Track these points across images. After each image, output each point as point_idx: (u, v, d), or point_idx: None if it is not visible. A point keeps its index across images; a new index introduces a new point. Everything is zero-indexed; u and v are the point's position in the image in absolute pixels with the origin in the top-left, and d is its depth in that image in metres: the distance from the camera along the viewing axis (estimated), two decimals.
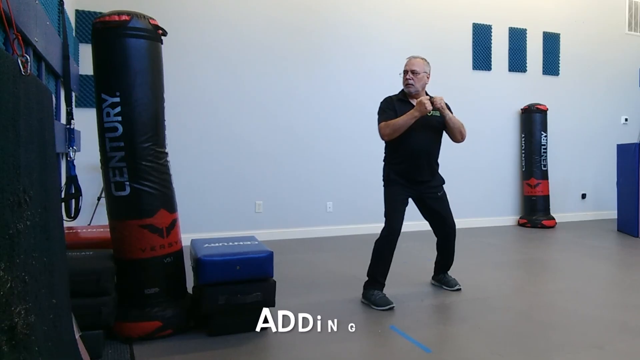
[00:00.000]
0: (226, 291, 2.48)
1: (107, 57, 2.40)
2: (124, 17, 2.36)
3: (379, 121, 3.09)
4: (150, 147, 2.46)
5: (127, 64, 2.39)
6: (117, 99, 2.37)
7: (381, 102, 3.19)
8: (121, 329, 2.41)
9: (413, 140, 3.04)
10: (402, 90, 3.22)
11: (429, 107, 2.95)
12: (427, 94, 3.20)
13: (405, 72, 3.17)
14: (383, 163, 3.21)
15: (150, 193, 2.46)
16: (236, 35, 5.27)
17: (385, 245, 3.08)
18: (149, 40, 2.45)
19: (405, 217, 6.47)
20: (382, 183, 3.18)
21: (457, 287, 3.36)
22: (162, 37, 2.54)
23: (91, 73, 4.58)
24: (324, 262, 4.28)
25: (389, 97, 3.22)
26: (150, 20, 2.46)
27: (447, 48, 6.21)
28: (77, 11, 4.66)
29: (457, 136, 3.18)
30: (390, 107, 3.12)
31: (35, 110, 1.47)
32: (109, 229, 2.59)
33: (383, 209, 3.13)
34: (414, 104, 3.05)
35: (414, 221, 6.07)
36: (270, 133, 5.35)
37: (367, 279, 3.10)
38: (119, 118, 2.37)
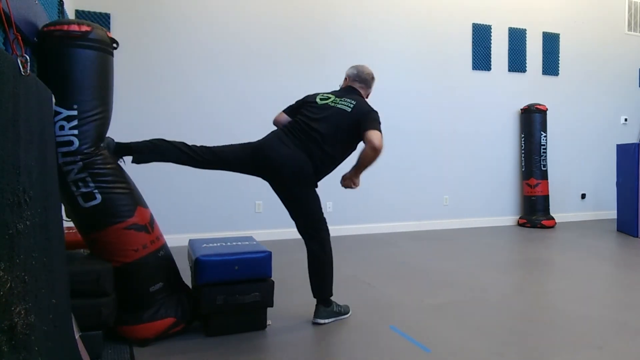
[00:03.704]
0: (224, 291, 2.49)
1: (65, 68, 2.29)
2: (85, 28, 2.28)
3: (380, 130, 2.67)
4: (102, 153, 2.39)
5: (87, 76, 2.31)
6: (74, 112, 2.28)
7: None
8: (135, 332, 2.39)
9: None
10: None
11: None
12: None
13: None
14: (331, 163, 2.77)
15: (123, 194, 2.41)
16: (234, 37, 5.27)
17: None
18: (106, 53, 2.40)
19: (402, 217, 6.47)
20: (311, 182, 2.74)
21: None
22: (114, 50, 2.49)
23: None
24: None
25: None
26: (107, 33, 2.42)
27: (447, 48, 6.21)
28: (77, 11, 4.66)
29: None
30: None
31: (35, 110, 1.47)
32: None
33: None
34: None
35: (413, 221, 6.11)
36: None
37: (328, 294, 2.82)
38: (75, 131, 2.28)
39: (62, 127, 2.28)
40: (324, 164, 2.71)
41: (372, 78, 2.94)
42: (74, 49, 2.28)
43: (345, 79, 2.96)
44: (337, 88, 3.00)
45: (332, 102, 2.78)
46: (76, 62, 2.29)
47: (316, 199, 2.75)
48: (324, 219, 2.79)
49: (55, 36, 2.27)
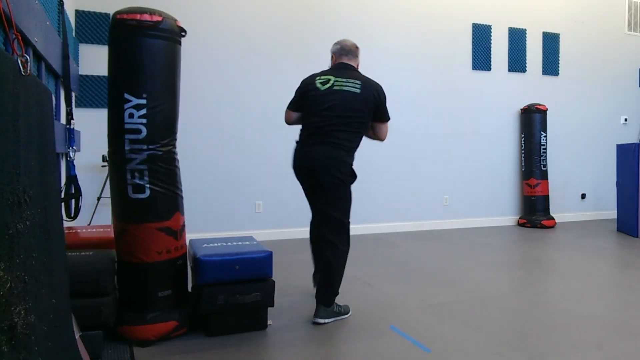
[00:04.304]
0: (225, 291, 2.49)
1: (135, 58, 2.32)
2: (156, 18, 2.32)
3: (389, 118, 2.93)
4: (170, 151, 2.44)
5: (156, 66, 2.34)
6: (144, 101, 2.32)
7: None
8: (137, 332, 2.39)
9: None
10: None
11: None
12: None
13: None
14: (348, 156, 2.78)
15: (169, 196, 2.43)
16: (235, 37, 5.27)
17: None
18: (175, 43, 2.42)
19: (402, 217, 6.39)
20: (347, 179, 2.77)
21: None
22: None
23: (91, 73, 4.62)
24: None
25: None
26: (177, 22, 2.44)
27: (446, 48, 6.21)
28: (77, 11, 4.66)
29: None
30: None
31: (35, 110, 1.46)
32: (110, 229, 2.56)
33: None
34: None
35: (413, 221, 6.11)
36: (269, 133, 5.34)
37: (334, 294, 2.81)
38: (144, 120, 2.32)
39: (131, 115, 2.32)
40: (350, 145, 2.77)
41: (357, 47, 2.96)
42: (146, 38, 2.31)
43: (332, 57, 2.97)
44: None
45: (335, 85, 2.78)
46: (147, 51, 2.32)
47: (347, 201, 2.80)
48: (348, 224, 2.83)
49: (128, 25, 2.30)
